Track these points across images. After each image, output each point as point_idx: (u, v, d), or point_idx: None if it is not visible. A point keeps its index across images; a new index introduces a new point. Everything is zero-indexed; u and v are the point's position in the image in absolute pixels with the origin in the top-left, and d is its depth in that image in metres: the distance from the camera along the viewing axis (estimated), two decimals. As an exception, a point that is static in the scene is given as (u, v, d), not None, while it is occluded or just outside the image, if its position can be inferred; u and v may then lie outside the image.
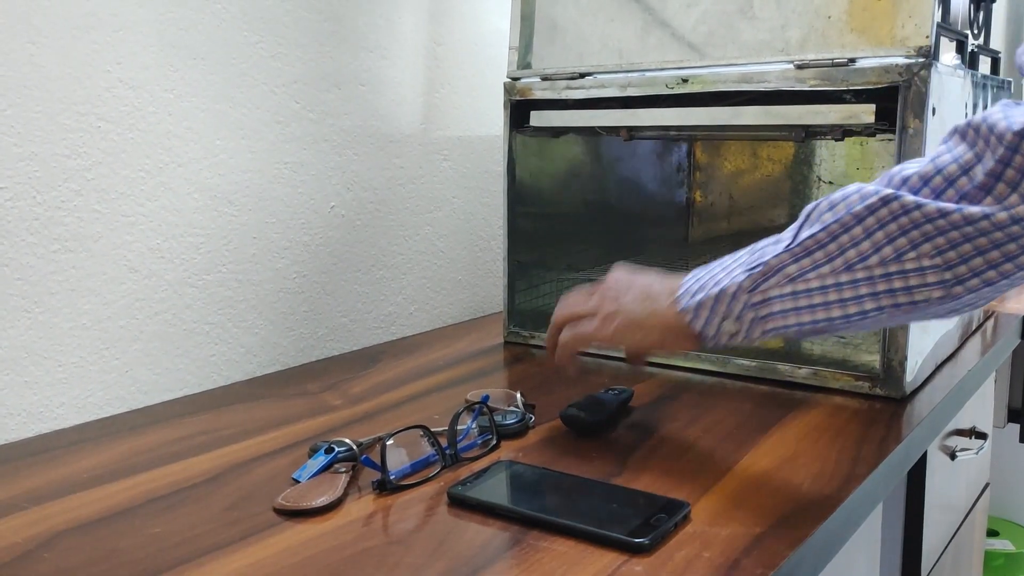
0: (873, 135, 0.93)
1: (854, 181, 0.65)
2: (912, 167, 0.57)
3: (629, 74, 1.00)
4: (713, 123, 0.96)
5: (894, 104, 0.84)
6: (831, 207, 0.59)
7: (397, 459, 0.69)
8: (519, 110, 1.09)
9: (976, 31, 1.04)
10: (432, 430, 0.72)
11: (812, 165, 1.38)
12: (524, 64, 1.08)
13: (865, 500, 0.68)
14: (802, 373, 0.93)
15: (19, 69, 0.78)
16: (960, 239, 0.53)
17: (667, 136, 1.22)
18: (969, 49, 1.00)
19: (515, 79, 1.08)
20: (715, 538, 0.58)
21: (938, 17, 0.84)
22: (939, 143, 0.58)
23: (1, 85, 0.77)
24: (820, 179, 1.31)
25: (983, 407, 1.24)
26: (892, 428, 0.80)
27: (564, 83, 1.04)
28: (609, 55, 1.02)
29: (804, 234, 0.59)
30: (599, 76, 1.02)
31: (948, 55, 0.95)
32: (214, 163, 0.95)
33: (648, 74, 0.98)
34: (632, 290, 0.69)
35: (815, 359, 1.02)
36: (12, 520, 0.62)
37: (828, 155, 1.36)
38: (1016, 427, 1.61)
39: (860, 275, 0.56)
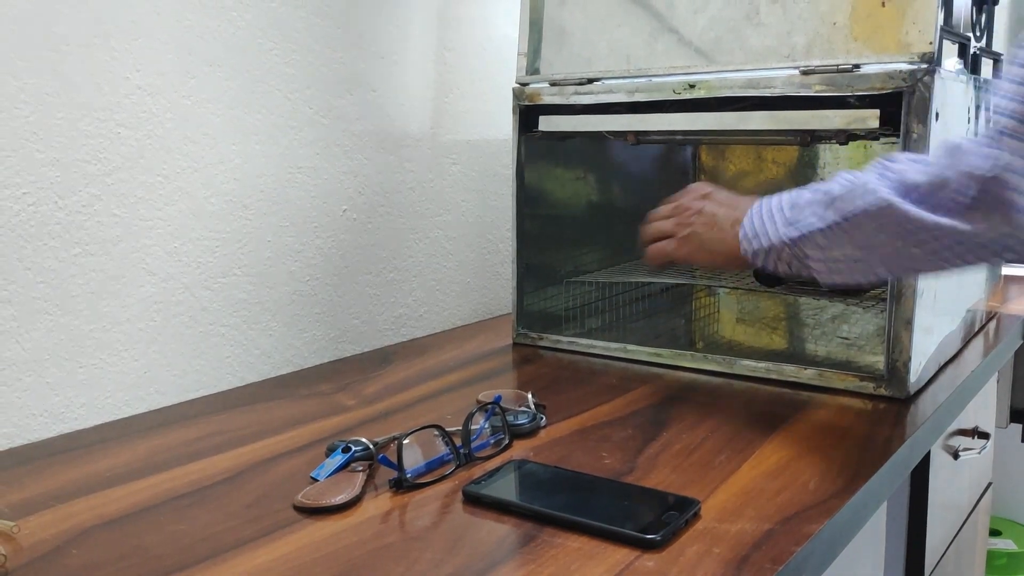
0: (877, 139, 0.94)
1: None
2: (912, 174, 0.69)
3: (637, 79, 1.01)
4: (720, 128, 0.98)
5: (898, 109, 0.85)
6: (852, 196, 0.72)
7: (413, 458, 0.70)
8: (528, 115, 1.10)
9: (978, 34, 1.05)
10: (446, 430, 0.74)
11: (816, 168, 1.40)
12: (533, 70, 1.10)
13: (870, 498, 0.70)
14: (808, 374, 0.94)
15: (41, 76, 0.79)
16: (931, 239, 0.68)
17: (674, 140, 1.24)
18: (971, 52, 1.01)
19: (524, 84, 1.10)
20: (725, 534, 0.60)
21: (941, 22, 0.86)
22: (938, 149, 0.68)
23: (24, 92, 0.78)
24: (823, 181, 1.32)
25: (986, 407, 1.25)
26: (896, 428, 0.81)
27: (572, 88, 1.05)
28: (617, 61, 1.03)
29: (831, 217, 0.74)
30: (607, 81, 1.03)
31: (951, 59, 0.97)
32: (230, 168, 0.97)
33: (655, 80, 1.00)
34: (703, 216, 0.84)
35: (820, 360, 1.04)
36: (40, 517, 0.63)
37: (832, 158, 1.38)
38: (1018, 427, 1.62)
39: (874, 255, 0.72)
